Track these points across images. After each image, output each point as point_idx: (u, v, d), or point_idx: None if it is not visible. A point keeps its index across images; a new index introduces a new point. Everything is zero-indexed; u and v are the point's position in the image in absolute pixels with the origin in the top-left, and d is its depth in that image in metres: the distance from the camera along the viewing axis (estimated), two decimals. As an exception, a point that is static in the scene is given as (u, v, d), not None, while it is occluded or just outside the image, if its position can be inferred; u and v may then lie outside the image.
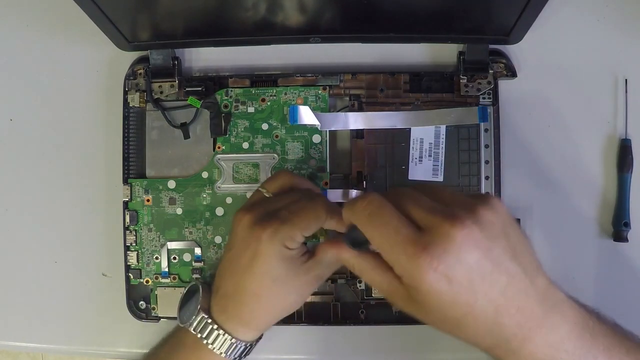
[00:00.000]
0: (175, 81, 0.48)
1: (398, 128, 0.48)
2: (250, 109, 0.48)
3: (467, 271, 0.32)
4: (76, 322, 0.50)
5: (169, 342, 0.43)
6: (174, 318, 0.44)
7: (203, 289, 0.43)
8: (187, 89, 0.48)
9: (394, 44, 0.49)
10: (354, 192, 0.46)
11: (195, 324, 0.41)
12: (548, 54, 0.49)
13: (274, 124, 0.48)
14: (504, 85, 0.49)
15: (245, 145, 0.48)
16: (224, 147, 0.48)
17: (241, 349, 0.41)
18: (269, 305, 0.41)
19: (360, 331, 0.48)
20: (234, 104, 0.48)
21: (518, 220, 0.47)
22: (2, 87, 0.51)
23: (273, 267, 0.39)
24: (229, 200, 0.48)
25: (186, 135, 0.48)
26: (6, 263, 0.51)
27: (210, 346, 0.40)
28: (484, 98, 0.48)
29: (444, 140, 0.48)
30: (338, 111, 0.48)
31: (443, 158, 0.48)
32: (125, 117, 0.48)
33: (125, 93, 0.48)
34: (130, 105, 0.48)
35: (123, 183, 0.48)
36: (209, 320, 0.41)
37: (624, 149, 0.48)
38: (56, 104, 0.51)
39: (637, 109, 0.49)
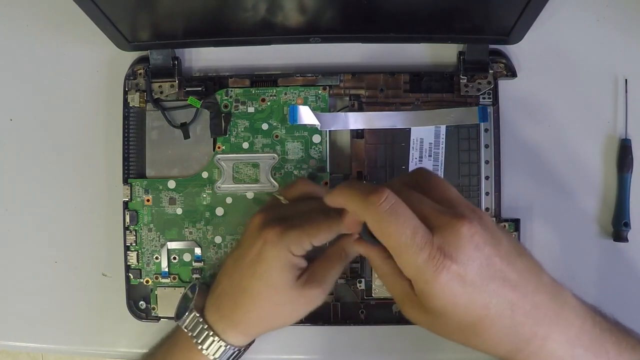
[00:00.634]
0: (175, 81, 0.48)
1: (398, 128, 0.48)
2: (250, 109, 0.48)
3: (479, 268, 0.32)
4: (76, 322, 0.50)
5: (167, 342, 0.43)
6: (174, 318, 0.44)
7: (200, 288, 0.43)
8: (187, 89, 0.48)
9: (394, 44, 0.49)
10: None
11: (187, 321, 0.41)
12: (548, 54, 0.49)
13: (274, 124, 0.48)
14: (504, 85, 0.49)
15: (245, 145, 0.48)
16: (224, 147, 0.48)
17: (229, 353, 0.41)
18: (263, 310, 0.40)
19: (360, 331, 0.48)
20: (234, 104, 0.48)
21: (518, 220, 0.47)
22: (2, 87, 0.51)
23: (274, 270, 0.39)
24: (229, 200, 0.48)
25: (186, 135, 0.48)
26: (6, 263, 0.51)
27: (199, 346, 0.40)
28: (484, 98, 0.48)
29: (444, 140, 0.48)
30: (338, 111, 0.48)
31: (443, 158, 0.48)
32: (125, 117, 0.48)
33: (125, 93, 0.48)
34: (130, 105, 0.48)
35: (123, 183, 0.48)
36: (201, 320, 0.41)
37: (624, 149, 0.48)
38: (56, 104, 0.51)
39: (637, 109, 0.49)
